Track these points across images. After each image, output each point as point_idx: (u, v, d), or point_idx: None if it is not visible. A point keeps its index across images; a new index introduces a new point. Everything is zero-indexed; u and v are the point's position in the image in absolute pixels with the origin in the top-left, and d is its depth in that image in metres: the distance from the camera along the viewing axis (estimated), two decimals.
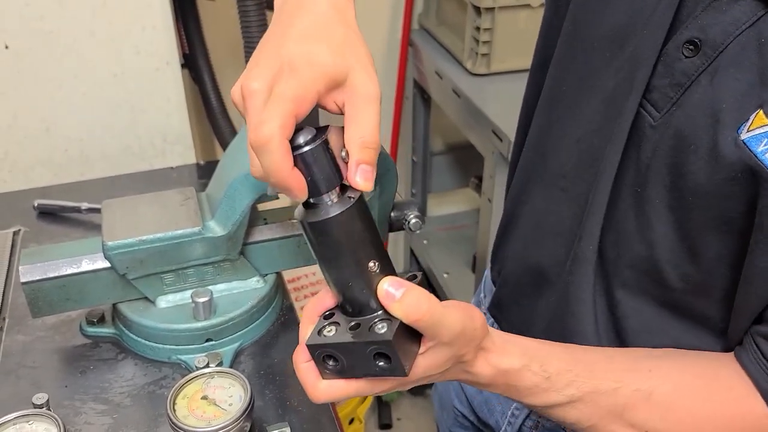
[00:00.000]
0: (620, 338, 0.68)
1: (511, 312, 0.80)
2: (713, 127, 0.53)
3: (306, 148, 0.50)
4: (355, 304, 0.53)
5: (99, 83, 1.17)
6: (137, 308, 0.83)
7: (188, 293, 0.83)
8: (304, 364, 0.54)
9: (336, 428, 0.77)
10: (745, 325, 0.59)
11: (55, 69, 1.14)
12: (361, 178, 0.50)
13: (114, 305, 0.84)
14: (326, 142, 0.50)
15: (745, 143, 0.51)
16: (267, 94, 0.50)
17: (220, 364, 0.78)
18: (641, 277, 0.63)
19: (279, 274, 0.91)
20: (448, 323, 0.52)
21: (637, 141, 0.60)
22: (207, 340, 0.83)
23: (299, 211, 0.52)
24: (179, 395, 0.70)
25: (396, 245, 2.17)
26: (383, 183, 0.83)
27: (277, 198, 0.82)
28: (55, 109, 1.17)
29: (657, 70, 0.58)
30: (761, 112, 0.51)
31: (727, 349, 0.62)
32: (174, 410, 0.69)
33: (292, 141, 0.49)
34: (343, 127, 0.53)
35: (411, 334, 0.51)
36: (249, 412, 0.69)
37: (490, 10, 1.53)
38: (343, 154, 0.51)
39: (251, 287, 0.86)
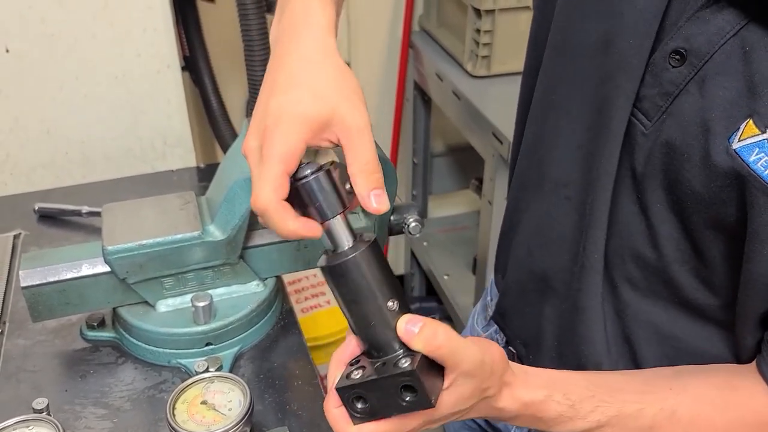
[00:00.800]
0: (629, 344, 0.68)
1: (514, 321, 0.80)
2: (704, 136, 0.54)
3: (310, 177, 0.54)
4: (377, 345, 0.55)
5: (100, 86, 1.17)
6: (137, 312, 0.83)
7: (188, 297, 0.83)
8: (335, 410, 0.55)
9: None
10: (751, 328, 0.60)
11: (56, 71, 1.14)
12: (376, 202, 0.54)
13: (114, 309, 0.85)
14: (328, 172, 0.54)
15: (737, 153, 0.52)
16: (259, 152, 0.55)
17: (219, 368, 0.78)
18: (650, 278, 0.64)
19: (279, 278, 0.91)
20: (468, 353, 0.53)
21: (630, 149, 0.60)
22: (207, 344, 0.83)
23: (322, 259, 0.56)
24: (179, 400, 0.70)
25: (396, 247, 2.17)
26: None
27: None
28: (56, 112, 1.17)
29: (645, 80, 0.58)
30: (751, 121, 0.52)
31: (736, 352, 0.63)
32: (173, 415, 0.69)
33: (296, 174, 0.54)
34: (339, 162, 0.57)
35: (435, 369, 0.53)
36: (248, 417, 0.69)
37: (491, 12, 1.53)
38: (348, 186, 0.55)
39: (251, 291, 0.86)
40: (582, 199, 0.65)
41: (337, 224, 0.55)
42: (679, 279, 0.62)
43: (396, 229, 0.88)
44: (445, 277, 1.93)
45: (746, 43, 0.52)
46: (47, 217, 1.08)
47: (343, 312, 0.56)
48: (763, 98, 0.51)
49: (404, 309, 0.55)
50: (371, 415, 0.54)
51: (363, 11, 1.81)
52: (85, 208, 1.06)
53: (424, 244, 2.05)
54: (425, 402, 0.52)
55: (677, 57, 0.56)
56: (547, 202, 0.71)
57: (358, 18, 1.81)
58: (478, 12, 1.55)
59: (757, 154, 0.51)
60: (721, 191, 0.54)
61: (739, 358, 0.64)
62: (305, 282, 1.78)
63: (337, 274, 0.54)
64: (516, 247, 0.77)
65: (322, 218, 0.55)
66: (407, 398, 0.52)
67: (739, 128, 0.52)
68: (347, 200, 0.55)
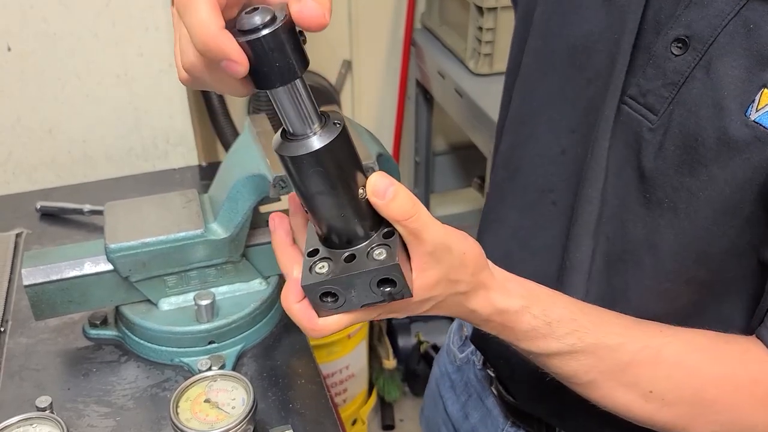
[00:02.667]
0: None
1: (493, 340, 0.78)
2: (718, 117, 0.54)
3: (265, 31, 0.41)
4: (344, 235, 0.49)
5: (102, 85, 1.17)
6: (140, 310, 0.83)
7: (191, 295, 0.83)
8: (297, 305, 0.51)
9: (338, 430, 0.77)
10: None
11: (58, 70, 1.14)
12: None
13: (117, 307, 0.84)
14: (288, 21, 0.42)
15: (756, 122, 0.52)
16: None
17: (222, 367, 0.78)
18: (650, 285, 0.62)
19: (281, 277, 0.91)
20: (432, 232, 0.49)
21: (636, 147, 0.59)
22: (210, 343, 0.83)
23: (277, 141, 0.46)
24: (182, 398, 0.70)
25: None
26: None
27: (279, 200, 0.82)
28: (59, 111, 1.17)
29: (647, 73, 0.58)
30: (766, 90, 0.52)
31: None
32: (177, 413, 0.69)
33: (241, 24, 0.42)
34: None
35: (405, 254, 0.50)
36: (252, 415, 0.68)
37: (493, 9, 1.53)
38: (302, 41, 0.44)
39: (254, 289, 0.86)
40: (570, 202, 0.65)
41: (297, 93, 0.45)
42: (678, 283, 0.60)
43: None
44: None
45: (749, 21, 0.52)
46: (49, 216, 1.08)
47: (303, 201, 0.49)
48: None
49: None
50: (341, 308, 0.50)
51: (365, 9, 1.81)
52: (87, 207, 1.06)
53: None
54: (405, 293, 0.49)
55: (679, 45, 0.55)
56: (531, 211, 0.70)
57: (360, 16, 1.81)
58: (480, 9, 1.54)
59: None
60: (739, 169, 0.53)
61: None
62: None
63: (304, 165, 0.46)
64: (494, 258, 0.76)
65: (276, 83, 0.44)
66: (386, 289, 0.49)
67: (754, 100, 0.52)
68: (306, 56, 0.44)
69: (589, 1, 0.61)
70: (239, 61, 0.41)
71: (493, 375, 0.80)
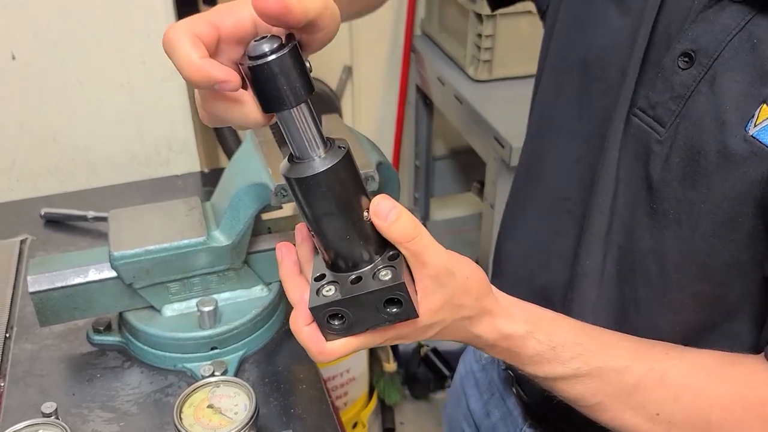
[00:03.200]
0: None
1: None
2: (720, 131, 0.55)
3: (272, 57, 0.44)
4: (349, 258, 0.50)
5: (105, 92, 1.18)
6: (143, 317, 0.84)
7: (193, 302, 0.84)
8: (306, 328, 0.51)
9: None
10: None
11: (61, 78, 1.15)
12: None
13: (120, 314, 0.86)
14: (294, 47, 0.44)
15: (754, 137, 0.53)
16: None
17: (225, 372, 0.79)
18: (658, 294, 0.63)
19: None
20: (435, 253, 0.50)
21: (644, 159, 0.60)
22: (212, 348, 0.84)
23: (284, 166, 0.49)
24: (185, 404, 0.71)
25: None
26: (385, 191, 0.84)
27: (281, 208, 0.83)
28: (62, 118, 1.18)
29: (656, 86, 0.59)
30: (765, 105, 0.52)
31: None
32: (180, 419, 0.70)
33: (251, 51, 0.44)
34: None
35: (411, 277, 0.51)
36: (254, 420, 0.70)
37: (492, 16, 1.54)
38: (308, 64, 0.46)
39: (255, 296, 0.87)
40: (582, 211, 0.66)
41: (303, 117, 0.46)
42: (685, 293, 0.61)
43: None
44: None
45: (753, 36, 0.53)
46: (53, 222, 1.09)
47: (310, 225, 0.51)
48: None
49: None
50: (348, 330, 0.51)
51: (365, 16, 1.82)
52: (90, 213, 1.07)
53: None
54: (411, 313, 0.50)
55: (686, 59, 0.57)
56: (548, 218, 0.71)
57: (360, 22, 1.82)
58: (479, 16, 1.56)
59: None
60: (738, 184, 0.54)
61: None
62: None
63: (310, 187, 0.47)
64: (516, 266, 0.77)
65: (282, 107, 0.45)
66: (392, 310, 0.49)
67: (754, 115, 0.53)
68: (311, 82, 0.46)
69: (606, 15, 0.63)
70: (228, 79, 0.43)
71: (513, 375, 0.82)
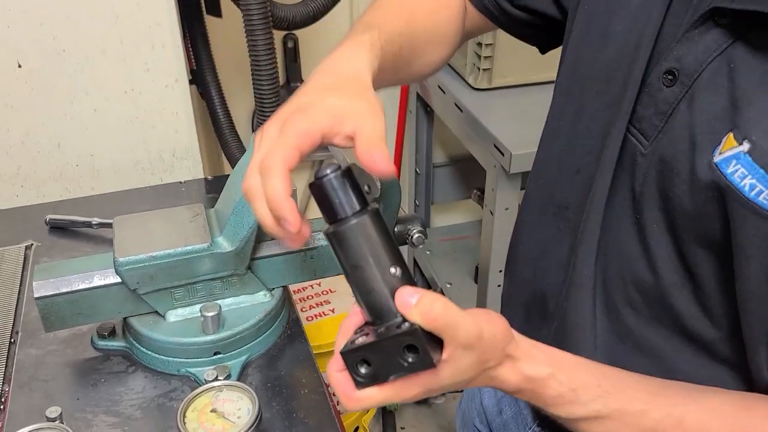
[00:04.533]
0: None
1: None
2: (691, 152, 0.56)
3: (330, 176, 0.54)
4: (379, 312, 0.55)
5: (110, 100, 1.19)
6: (147, 322, 0.85)
7: (197, 307, 0.85)
8: (337, 374, 0.55)
9: None
10: (760, 356, 0.58)
11: (66, 86, 1.16)
12: (379, 161, 0.54)
13: (124, 319, 0.86)
14: (348, 171, 0.55)
15: (717, 165, 0.54)
16: (278, 133, 0.56)
17: (228, 377, 0.80)
18: (651, 303, 0.64)
19: (285, 289, 0.93)
20: (465, 326, 0.53)
21: (630, 170, 0.62)
22: (215, 354, 0.85)
23: (328, 227, 0.57)
24: (189, 408, 0.72)
25: None
26: (387, 198, 0.85)
27: None
28: (67, 126, 1.20)
29: (643, 101, 0.61)
30: (731, 135, 0.53)
31: (747, 388, 0.61)
32: (184, 423, 0.71)
33: (318, 172, 0.55)
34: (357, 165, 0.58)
35: (435, 338, 0.54)
36: (257, 424, 0.71)
37: None
38: (366, 187, 0.56)
39: (258, 301, 0.88)
40: (579, 221, 0.67)
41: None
42: (678, 306, 0.62)
43: (399, 240, 0.90)
44: (448, 286, 1.95)
45: (732, 61, 0.54)
46: (58, 229, 1.10)
47: (348, 279, 0.56)
48: (743, 112, 0.53)
49: (407, 278, 0.55)
50: (374, 378, 0.54)
51: None
52: (95, 220, 1.08)
53: (427, 253, 2.06)
54: (428, 361, 0.52)
55: (670, 77, 0.58)
56: (550, 225, 0.73)
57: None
58: None
59: (734, 166, 0.53)
60: (706, 205, 0.56)
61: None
62: (310, 291, 1.79)
63: (340, 238, 0.55)
64: (522, 268, 0.79)
65: (337, 216, 0.55)
66: (410, 359, 0.52)
67: (721, 141, 0.54)
68: (367, 199, 0.57)
69: (611, 30, 0.64)
70: (294, 225, 0.54)
71: None
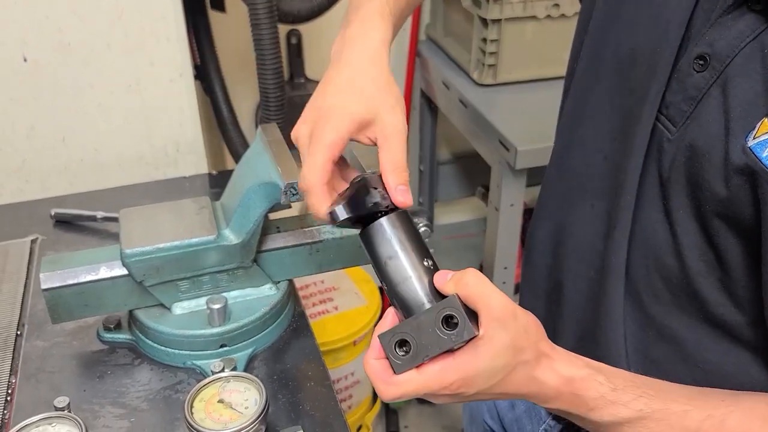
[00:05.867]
0: (652, 362, 0.67)
1: None
2: (725, 137, 0.56)
3: (359, 198, 0.61)
4: (413, 301, 0.57)
5: (114, 94, 1.19)
6: (153, 314, 0.85)
7: (203, 300, 0.85)
8: (374, 361, 0.55)
9: None
10: None
11: (72, 81, 1.16)
12: (400, 196, 0.61)
13: (130, 312, 0.86)
14: (366, 185, 0.62)
15: (751, 150, 0.54)
16: (308, 139, 0.64)
17: (234, 370, 0.80)
18: (675, 291, 0.64)
19: (291, 282, 0.93)
20: (499, 299, 0.54)
21: (656, 156, 0.62)
22: (221, 346, 0.85)
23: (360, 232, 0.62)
24: (197, 398, 0.72)
25: None
26: None
27: (290, 207, 0.84)
28: (72, 120, 1.19)
29: (671, 87, 0.60)
30: (766, 120, 0.53)
31: None
32: (191, 413, 0.70)
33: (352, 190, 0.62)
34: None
35: (471, 313, 0.55)
36: (264, 415, 0.70)
37: (497, 21, 1.55)
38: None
39: (264, 294, 0.88)
40: (605, 207, 0.67)
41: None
42: (703, 292, 0.62)
43: None
44: None
45: (765, 46, 0.54)
46: (63, 222, 1.10)
47: (380, 277, 0.59)
48: None
49: (437, 269, 0.58)
50: (413, 358, 0.54)
51: None
52: (100, 214, 1.08)
53: (431, 250, 2.06)
54: (467, 330, 0.53)
55: (701, 62, 0.58)
56: (571, 211, 0.73)
57: None
58: (484, 21, 1.57)
59: None
60: (739, 190, 0.55)
61: None
62: (313, 288, 1.79)
63: (376, 231, 0.60)
64: (542, 256, 0.79)
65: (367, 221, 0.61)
66: (448, 331, 0.53)
67: (755, 126, 0.54)
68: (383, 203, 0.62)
69: (639, 15, 0.64)
70: (320, 212, 0.62)
71: None
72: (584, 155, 0.71)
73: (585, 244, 0.70)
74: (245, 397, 0.72)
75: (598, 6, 0.70)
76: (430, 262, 0.59)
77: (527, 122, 1.47)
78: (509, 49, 1.59)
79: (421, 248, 0.60)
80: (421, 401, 2.09)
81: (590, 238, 0.70)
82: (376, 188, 0.61)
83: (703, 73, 0.58)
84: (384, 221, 0.60)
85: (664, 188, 0.62)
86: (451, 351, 0.54)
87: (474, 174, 2.09)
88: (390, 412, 2.04)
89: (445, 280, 0.56)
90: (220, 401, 0.72)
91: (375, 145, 0.65)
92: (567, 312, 0.73)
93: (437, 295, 0.57)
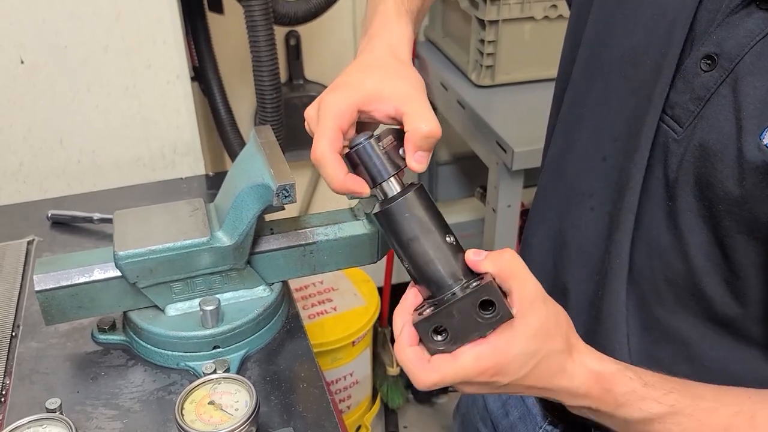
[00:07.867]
0: (656, 362, 0.66)
1: None
2: (738, 135, 0.56)
3: (359, 145, 0.59)
4: (440, 282, 0.56)
5: (112, 96, 1.20)
6: (147, 316, 0.85)
7: (196, 301, 0.85)
8: (409, 349, 0.54)
9: None
10: None
11: (69, 83, 1.17)
12: (416, 162, 0.59)
13: (124, 313, 0.87)
14: (378, 138, 0.60)
15: (767, 147, 0.54)
16: (316, 115, 0.62)
17: (227, 371, 0.80)
18: (680, 292, 0.64)
19: (285, 283, 0.93)
20: (533, 281, 0.54)
21: (662, 157, 0.62)
22: (214, 347, 0.85)
23: (376, 207, 0.60)
24: (187, 400, 0.72)
25: None
26: None
27: (283, 209, 0.84)
28: (69, 122, 1.20)
29: (677, 87, 0.60)
30: None
31: None
32: (182, 415, 0.71)
33: (351, 141, 0.60)
34: (397, 129, 0.61)
35: (506, 303, 0.55)
36: (254, 417, 0.71)
37: (495, 22, 1.55)
38: (401, 152, 0.60)
39: (258, 296, 0.89)
40: (607, 209, 0.67)
41: (390, 184, 0.60)
42: (709, 292, 0.61)
43: None
44: None
45: None
46: (60, 224, 1.11)
47: (403, 259, 0.58)
48: None
49: (459, 246, 0.57)
50: (452, 344, 0.54)
51: None
52: (96, 215, 1.09)
53: None
54: (505, 312, 0.53)
55: (709, 62, 0.58)
56: (571, 214, 0.72)
57: None
58: (482, 22, 1.57)
59: None
60: (755, 189, 0.55)
61: None
62: (312, 289, 1.80)
63: (394, 215, 0.57)
64: (539, 260, 0.78)
65: (375, 181, 0.59)
66: (486, 315, 0.53)
67: None
68: (401, 163, 0.60)
69: (639, 15, 0.64)
70: (361, 191, 0.60)
71: None
72: (582, 157, 0.71)
73: (586, 247, 0.70)
74: (236, 398, 0.73)
75: (594, 9, 0.70)
76: (452, 238, 0.57)
77: (524, 123, 1.47)
78: (507, 50, 1.59)
79: (442, 225, 0.58)
80: (420, 401, 2.09)
81: (591, 240, 0.69)
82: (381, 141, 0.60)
83: (711, 72, 0.57)
84: (407, 200, 0.57)
85: (670, 189, 0.61)
86: (484, 336, 0.54)
87: (473, 175, 2.09)
88: (389, 413, 2.04)
89: (480, 260, 0.55)
90: (211, 403, 0.72)
91: (392, 121, 0.62)
92: (571, 316, 0.73)
93: (467, 272, 0.57)
